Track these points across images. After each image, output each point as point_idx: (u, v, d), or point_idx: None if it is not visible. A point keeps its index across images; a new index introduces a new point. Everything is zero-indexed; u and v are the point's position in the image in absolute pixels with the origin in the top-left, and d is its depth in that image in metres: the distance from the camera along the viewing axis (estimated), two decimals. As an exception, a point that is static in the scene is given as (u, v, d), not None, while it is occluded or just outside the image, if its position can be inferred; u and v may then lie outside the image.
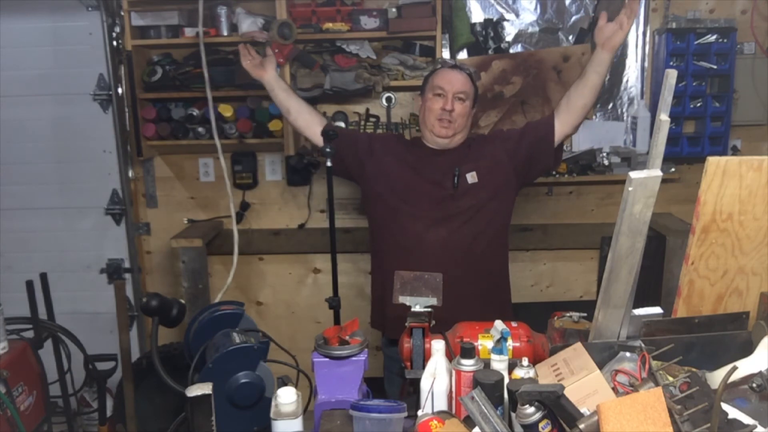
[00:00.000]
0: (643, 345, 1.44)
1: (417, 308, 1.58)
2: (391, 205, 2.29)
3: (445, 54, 3.06)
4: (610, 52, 2.13)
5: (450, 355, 1.53)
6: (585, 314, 1.72)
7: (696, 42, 2.94)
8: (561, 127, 2.26)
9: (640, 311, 1.55)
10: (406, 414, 1.40)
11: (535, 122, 2.38)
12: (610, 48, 2.12)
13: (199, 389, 1.34)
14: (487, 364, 1.44)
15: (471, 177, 2.25)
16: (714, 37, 2.94)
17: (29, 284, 2.26)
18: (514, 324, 1.67)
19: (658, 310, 1.57)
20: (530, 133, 2.31)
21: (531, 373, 1.40)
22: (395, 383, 2.28)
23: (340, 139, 2.26)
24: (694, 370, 1.40)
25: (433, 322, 1.61)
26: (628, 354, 1.46)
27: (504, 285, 2.38)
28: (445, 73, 2.29)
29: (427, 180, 2.27)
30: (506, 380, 1.36)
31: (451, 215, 2.23)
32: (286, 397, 1.44)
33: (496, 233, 2.30)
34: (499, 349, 1.45)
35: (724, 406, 1.20)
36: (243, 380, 1.58)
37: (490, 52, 3.08)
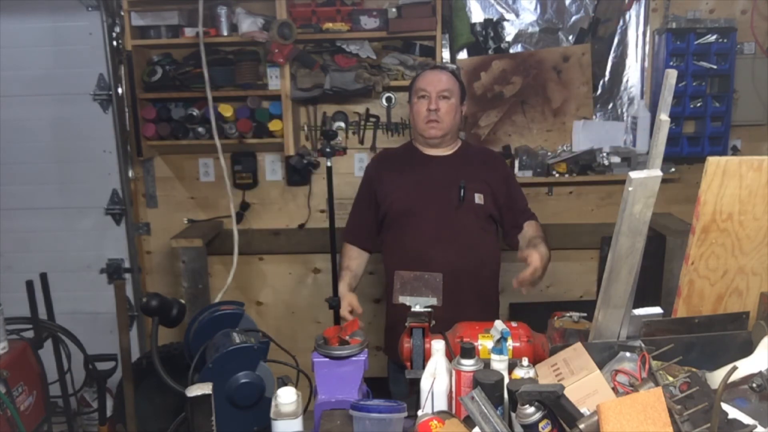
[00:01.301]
0: (643, 345, 1.44)
1: (417, 308, 1.58)
2: (397, 225, 2.29)
3: (445, 54, 3.06)
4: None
5: (450, 355, 1.53)
6: (585, 314, 1.72)
7: (696, 42, 2.94)
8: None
9: (640, 311, 1.55)
10: (406, 414, 1.40)
11: (515, 206, 2.39)
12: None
13: (199, 389, 1.34)
14: (487, 364, 1.44)
15: (479, 198, 2.25)
16: (714, 37, 2.94)
17: (29, 284, 2.26)
18: (514, 324, 1.67)
19: (658, 310, 1.57)
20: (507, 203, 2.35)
21: (531, 373, 1.40)
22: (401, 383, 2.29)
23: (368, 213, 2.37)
24: (694, 370, 1.40)
25: (433, 322, 1.61)
26: (628, 354, 1.46)
27: (495, 309, 2.41)
28: (426, 75, 2.32)
29: (431, 191, 2.27)
30: (506, 380, 1.36)
31: (456, 233, 2.23)
32: (286, 397, 1.44)
33: (495, 258, 2.33)
34: (499, 349, 1.45)
35: (724, 406, 1.20)
36: (243, 380, 1.58)
37: (490, 52, 3.08)
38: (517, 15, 3.12)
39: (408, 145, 2.45)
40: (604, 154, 3.07)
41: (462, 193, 2.22)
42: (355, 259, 2.42)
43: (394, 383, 2.40)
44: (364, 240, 2.41)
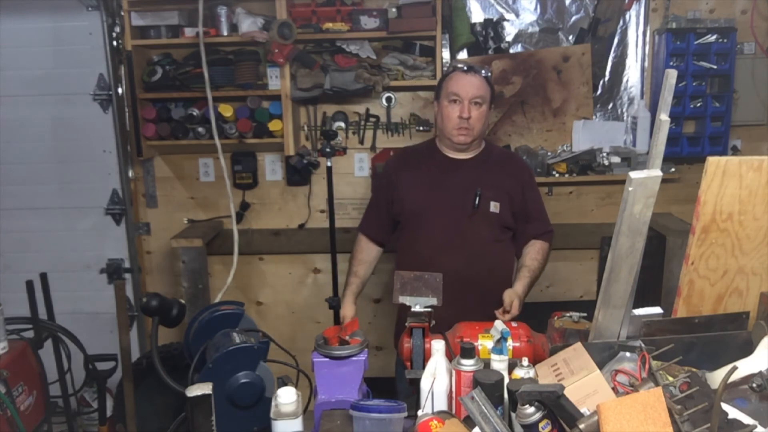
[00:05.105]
0: (643, 345, 1.44)
1: (417, 308, 1.59)
2: (410, 227, 2.26)
3: (445, 54, 3.06)
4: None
5: (450, 355, 1.53)
6: (585, 314, 1.72)
7: (696, 42, 2.94)
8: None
9: (640, 311, 1.55)
10: (406, 414, 1.40)
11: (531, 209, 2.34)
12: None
13: (199, 389, 1.34)
14: (487, 364, 1.44)
15: (494, 206, 2.21)
16: (714, 37, 2.94)
17: (29, 284, 2.26)
18: (514, 324, 1.68)
19: (658, 310, 1.57)
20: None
21: (531, 373, 1.40)
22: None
23: (384, 195, 2.33)
24: (694, 370, 1.40)
25: (434, 322, 1.61)
26: (628, 354, 1.46)
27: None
28: (459, 78, 2.20)
29: (446, 195, 2.23)
30: (506, 380, 1.36)
31: (467, 241, 2.20)
32: (286, 397, 1.44)
33: (507, 268, 2.29)
34: (499, 349, 1.45)
35: (724, 406, 1.20)
36: (243, 380, 1.58)
37: (490, 52, 3.08)
38: (517, 15, 3.12)
39: (431, 144, 2.38)
40: (604, 154, 3.07)
41: (477, 201, 2.18)
42: (364, 261, 2.36)
43: (400, 380, 2.39)
44: (375, 232, 2.37)
